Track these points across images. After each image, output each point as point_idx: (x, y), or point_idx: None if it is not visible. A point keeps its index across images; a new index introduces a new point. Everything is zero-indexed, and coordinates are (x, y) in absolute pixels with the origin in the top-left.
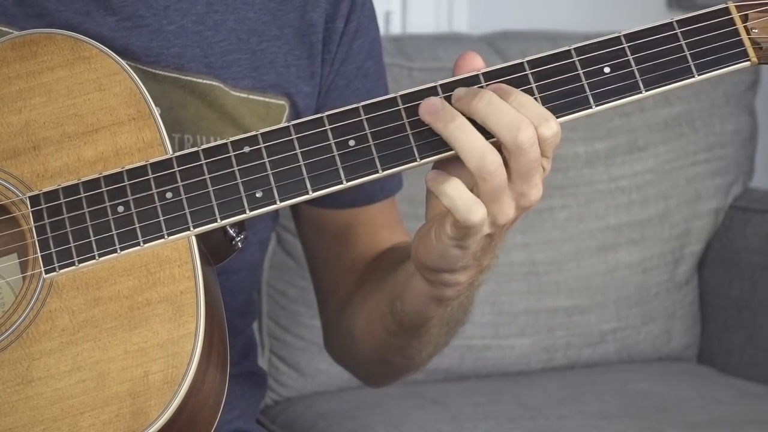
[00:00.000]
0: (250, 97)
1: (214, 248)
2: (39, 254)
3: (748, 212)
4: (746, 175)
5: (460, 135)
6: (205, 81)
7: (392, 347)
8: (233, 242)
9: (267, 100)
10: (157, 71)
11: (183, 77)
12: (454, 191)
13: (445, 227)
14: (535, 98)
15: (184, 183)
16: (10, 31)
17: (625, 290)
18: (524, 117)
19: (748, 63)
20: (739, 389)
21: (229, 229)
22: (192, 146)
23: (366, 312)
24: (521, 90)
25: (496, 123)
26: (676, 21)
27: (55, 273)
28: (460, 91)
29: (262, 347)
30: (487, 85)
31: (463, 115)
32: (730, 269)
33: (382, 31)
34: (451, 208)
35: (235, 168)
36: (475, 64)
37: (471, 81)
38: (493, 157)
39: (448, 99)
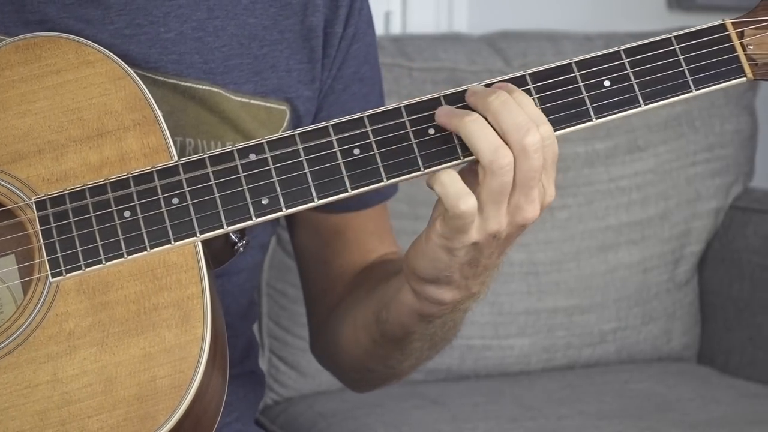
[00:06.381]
0: (252, 102)
1: (215, 252)
2: (45, 258)
3: (748, 212)
4: (746, 175)
5: (476, 129)
6: (204, 87)
7: (375, 356)
8: (235, 247)
9: (268, 105)
10: (157, 77)
11: (182, 83)
12: (448, 178)
13: (435, 224)
14: None
15: (190, 189)
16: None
17: (625, 290)
18: (532, 122)
19: (744, 79)
20: (739, 389)
21: (231, 234)
22: (194, 150)
23: (352, 319)
24: None
25: (505, 121)
26: (674, 37)
27: (61, 277)
28: (475, 87)
29: (262, 347)
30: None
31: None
32: (730, 269)
33: (382, 31)
34: (442, 195)
35: (241, 175)
36: None
37: None
38: (506, 152)
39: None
